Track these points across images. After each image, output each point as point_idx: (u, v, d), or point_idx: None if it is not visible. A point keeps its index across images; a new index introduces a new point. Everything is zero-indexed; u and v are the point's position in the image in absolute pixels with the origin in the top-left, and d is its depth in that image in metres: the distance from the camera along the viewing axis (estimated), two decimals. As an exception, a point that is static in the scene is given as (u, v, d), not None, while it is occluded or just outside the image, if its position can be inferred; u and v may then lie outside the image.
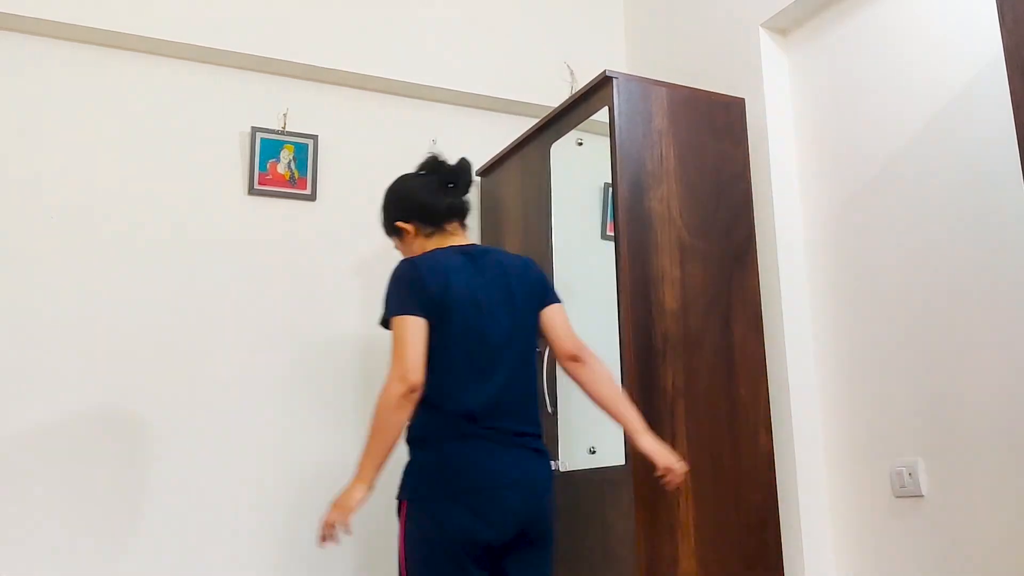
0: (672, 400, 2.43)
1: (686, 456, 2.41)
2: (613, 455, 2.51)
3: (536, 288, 2.16)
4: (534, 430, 2.07)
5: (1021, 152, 1.75)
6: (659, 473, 2.12)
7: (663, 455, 2.10)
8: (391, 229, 2.24)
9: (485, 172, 3.26)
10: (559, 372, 2.68)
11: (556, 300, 2.18)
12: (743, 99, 2.79)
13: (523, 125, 3.38)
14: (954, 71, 2.34)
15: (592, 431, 2.65)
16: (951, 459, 2.26)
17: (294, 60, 3.03)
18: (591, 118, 2.67)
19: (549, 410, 2.68)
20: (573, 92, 3.24)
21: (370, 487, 1.97)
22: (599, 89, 2.64)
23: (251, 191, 2.96)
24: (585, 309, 2.70)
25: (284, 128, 3.03)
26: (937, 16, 2.40)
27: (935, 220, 2.35)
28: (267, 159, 2.99)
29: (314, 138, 3.06)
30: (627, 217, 2.50)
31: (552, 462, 2.60)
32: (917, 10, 2.46)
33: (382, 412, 1.96)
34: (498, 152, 3.19)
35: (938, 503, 2.28)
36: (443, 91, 3.26)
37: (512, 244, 3.03)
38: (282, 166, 3.01)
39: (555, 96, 3.36)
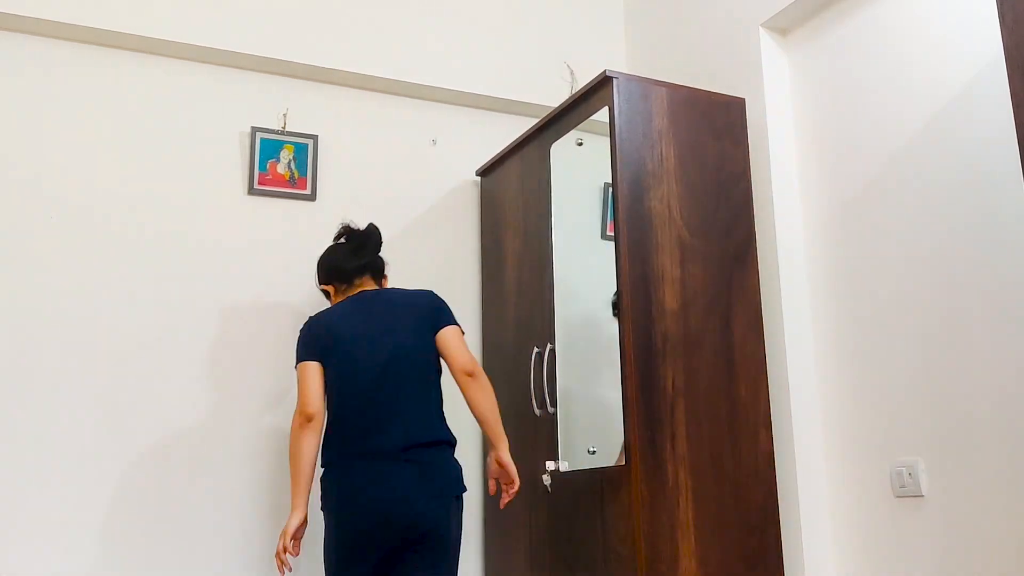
0: (672, 400, 2.43)
1: (686, 456, 2.41)
2: (613, 455, 2.51)
3: (425, 315, 2.48)
4: (419, 440, 2.33)
5: (1021, 152, 1.75)
6: (501, 481, 2.46)
7: (509, 472, 2.42)
8: (322, 291, 2.68)
9: (485, 172, 3.26)
10: (559, 372, 2.68)
11: (449, 323, 2.48)
12: (743, 99, 2.79)
13: (523, 125, 3.39)
14: (954, 71, 2.34)
15: (592, 431, 2.65)
16: (951, 459, 2.26)
17: (294, 60, 3.03)
18: (591, 118, 2.67)
19: (549, 410, 2.68)
20: (573, 92, 3.24)
21: (299, 510, 2.35)
22: (599, 89, 2.64)
23: (251, 191, 2.96)
24: (585, 309, 2.71)
25: (284, 128, 3.03)
26: (937, 16, 2.40)
27: (935, 220, 2.35)
28: (267, 159, 2.99)
29: (314, 138, 3.06)
30: (627, 217, 2.50)
31: (553, 463, 2.60)
32: (917, 10, 2.46)
33: (290, 442, 2.42)
34: (498, 152, 3.19)
35: (938, 503, 2.28)
36: (443, 91, 3.26)
37: (512, 244, 3.03)
38: (282, 166, 3.01)
39: (555, 96, 3.36)
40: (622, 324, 2.44)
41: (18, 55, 2.76)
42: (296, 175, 3.02)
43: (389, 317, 2.46)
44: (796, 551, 2.53)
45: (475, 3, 3.38)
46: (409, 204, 3.20)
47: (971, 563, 2.19)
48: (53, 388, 2.61)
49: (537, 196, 2.90)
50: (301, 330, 2.52)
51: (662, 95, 2.63)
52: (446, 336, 2.45)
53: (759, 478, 2.50)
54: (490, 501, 3.01)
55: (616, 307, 2.65)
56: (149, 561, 2.62)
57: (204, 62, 2.99)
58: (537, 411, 2.73)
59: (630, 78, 2.60)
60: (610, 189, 2.57)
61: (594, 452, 2.57)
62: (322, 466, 2.40)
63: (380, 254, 2.65)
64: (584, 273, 2.72)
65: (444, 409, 2.46)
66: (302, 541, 2.40)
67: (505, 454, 2.43)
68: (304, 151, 3.04)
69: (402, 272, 3.11)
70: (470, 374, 2.41)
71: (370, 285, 2.59)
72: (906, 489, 2.35)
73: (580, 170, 2.77)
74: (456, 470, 2.39)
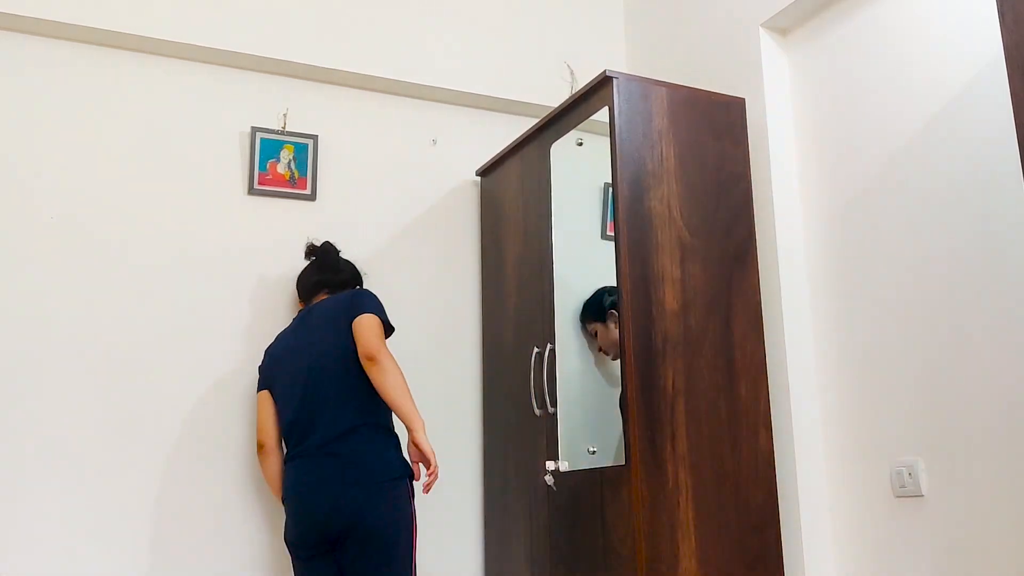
0: (672, 400, 2.43)
1: (686, 456, 2.41)
2: (613, 455, 2.51)
3: (342, 308, 2.55)
4: (336, 433, 2.42)
5: (1021, 152, 1.75)
6: (423, 467, 2.48)
7: (425, 454, 2.43)
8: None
9: (485, 172, 3.26)
10: (559, 372, 2.68)
11: (362, 312, 2.50)
12: (743, 99, 2.79)
13: (523, 125, 3.38)
14: (954, 71, 2.34)
15: (592, 431, 2.65)
16: (951, 459, 2.26)
17: (294, 60, 3.03)
18: (591, 118, 2.67)
19: (550, 410, 2.68)
20: (573, 92, 3.24)
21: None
22: (599, 89, 2.64)
23: (251, 191, 2.96)
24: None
25: (284, 128, 3.03)
26: (937, 16, 2.40)
27: (935, 220, 2.35)
28: (267, 159, 2.99)
29: (314, 138, 3.05)
30: (627, 217, 2.50)
31: (554, 463, 2.60)
32: (917, 10, 2.46)
33: None
34: (498, 152, 3.19)
35: (938, 503, 2.28)
36: (443, 91, 3.26)
37: (512, 244, 3.03)
38: (282, 166, 3.01)
39: (555, 96, 3.36)
40: (622, 324, 2.44)
41: (18, 55, 2.76)
42: (296, 175, 3.02)
43: (316, 324, 2.58)
44: (796, 551, 2.53)
45: (475, 3, 3.38)
46: (409, 204, 3.19)
47: (971, 563, 2.19)
48: (51, 388, 2.61)
49: (537, 196, 2.90)
50: None
51: (662, 95, 2.63)
52: (355, 326, 2.49)
53: (759, 478, 2.50)
54: (490, 501, 3.01)
55: (582, 316, 2.68)
56: (149, 561, 2.62)
57: (204, 62, 2.99)
58: (537, 411, 2.73)
59: (630, 78, 2.60)
60: (610, 189, 2.57)
61: (594, 452, 2.58)
62: None
63: (349, 268, 2.77)
64: (584, 273, 2.73)
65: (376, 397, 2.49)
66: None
67: (418, 435, 2.43)
68: (304, 151, 3.04)
69: (402, 272, 3.11)
70: (370, 359, 2.43)
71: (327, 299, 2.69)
72: (906, 489, 2.35)
73: (580, 170, 2.77)
74: (382, 456, 2.42)
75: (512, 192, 3.07)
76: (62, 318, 2.66)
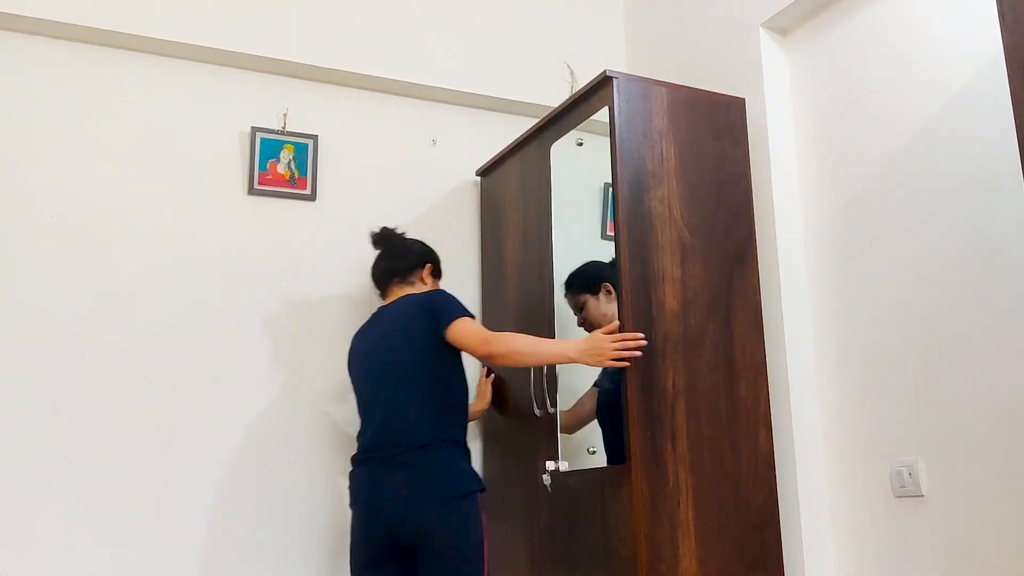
0: (672, 400, 2.43)
1: (686, 456, 2.41)
2: (613, 455, 2.51)
3: (414, 320, 2.51)
4: (411, 443, 2.38)
5: (1021, 152, 1.75)
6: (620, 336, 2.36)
7: (604, 327, 2.40)
8: None
9: (485, 172, 3.26)
10: (559, 372, 2.68)
11: (451, 320, 2.46)
12: (743, 99, 2.78)
13: (523, 125, 3.37)
14: (954, 71, 2.34)
15: (592, 431, 2.65)
16: (951, 459, 2.26)
17: (294, 60, 3.03)
18: (591, 118, 2.67)
19: (550, 410, 2.68)
20: (573, 92, 3.24)
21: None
22: (599, 89, 2.64)
23: (251, 191, 2.96)
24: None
25: (284, 128, 3.03)
26: (937, 16, 2.40)
27: (935, 220, 2.35)
28: (267, 159, 2.99)
29: (314, 138, 3.05)
30: (627, 217, 2.50)
31: (553, 463, 2.59)
32: (917, 10, 2.46)
33: None
34: (498, 152, 3.19)
35: (938, 503, 2.28)
36: (443, 91, 3.26)
37: (512, 244, 3.03)
38: (282, 166, 3.01)
39: (555, 96, 3.36)
40: (622, 324, 2.44)
41: (18, 55, 2.76)
42: (296, 175, 3.02)
43: (386, 328, 2.58)
44: (796, 551, 2.53)
45: (475, 3, 3.38)
46: (409, 204, 3.19)
47: (971, 563, 2.19)
48: (51, 388, 2.61)
49: (537, 196, 2.90)
50: None
51: (662, 95, 2.63)
52: (452, 335, 2.47)
53: (759, 478, 2.50)
54: (489, 500, 3.01)
55: (569, 286, 2.65)
56: (150, 561, 2.62)
57: (204, 62, 2.99)
58: (537, 411, 2.73)
59: (630, 78, 2.60)
60: (610, 189, 2.57)
61: (594, 452, 2.58)
62: None
63: (413, 251, 2.76)
64: (584, 273, 2.72)
65: (449, 407, 2.47)
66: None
67: (580, 354, 2.35)
68: (304, 151, 3.04)
69: (402, 272, 3.11)
70: (489, 356, 2.44)
71: (400, 291, 2.70)
72: (906, 489, 2.35)
73: (580, 170, 2.77)
74: (455, 469, 2.39)
75: (512, 192, 3.06)
76: (62, 318, 2.66)
